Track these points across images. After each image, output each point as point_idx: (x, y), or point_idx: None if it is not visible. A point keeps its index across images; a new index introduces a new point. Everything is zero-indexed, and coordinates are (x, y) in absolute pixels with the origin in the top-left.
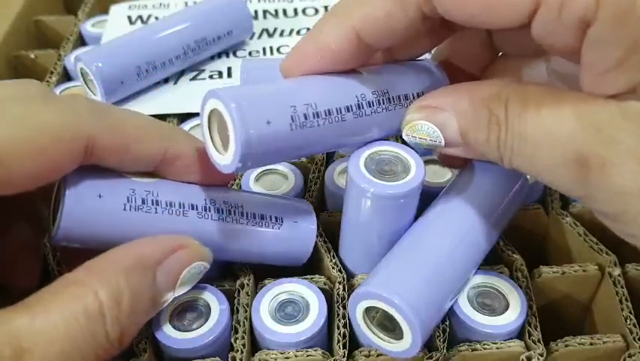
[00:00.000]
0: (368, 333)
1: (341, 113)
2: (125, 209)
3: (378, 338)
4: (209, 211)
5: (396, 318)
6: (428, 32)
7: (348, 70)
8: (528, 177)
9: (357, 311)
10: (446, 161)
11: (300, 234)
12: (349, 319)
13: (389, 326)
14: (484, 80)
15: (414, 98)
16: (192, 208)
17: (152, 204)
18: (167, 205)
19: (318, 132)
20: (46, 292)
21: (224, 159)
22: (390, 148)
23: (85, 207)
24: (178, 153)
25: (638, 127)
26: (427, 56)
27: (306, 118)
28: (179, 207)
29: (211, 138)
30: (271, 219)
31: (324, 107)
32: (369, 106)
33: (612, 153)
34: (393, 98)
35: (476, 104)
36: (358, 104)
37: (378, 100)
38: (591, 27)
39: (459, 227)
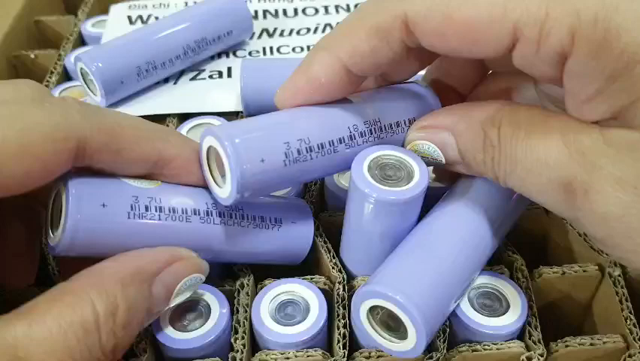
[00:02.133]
0: (371, 332)
1: (333, 145)
2: (129, 217)
3: (382, 337)
4: (211, 216)
5: (401, 318)
6: (416, 58)
7: (339, 99)
8: None
9: (361, 310)
10: (441, 176)
11: (298, 233)
12: (350, 319)
13: (393, 325)
14: (480, 102)
15: (406, 124)
16: (195, 213)
17: (156, 210)
18: (170, 211)
19: (311, 165)
20: (43, 300)
21: (223, 192)
22: (394, 153)
23: (89, 217)
24: (172, 155)
25: (618, 153)
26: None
27: (299, 153)
28: (182, 213)
29: (210, 171)
30: (270, 221)
31: (317, 142)
32: (362, 136)
33: (594, 179)
34: (384, 127)
35: (473, 125)
36: (350, 135)
37: (370, 129)
38: (568, 60)
39: (464, 228)
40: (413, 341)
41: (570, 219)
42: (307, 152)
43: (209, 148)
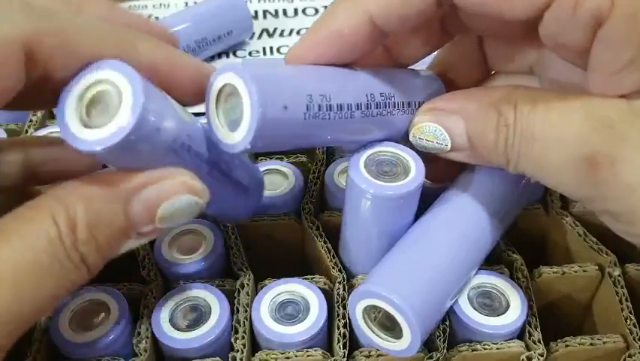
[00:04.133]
0: (368, 332)
1: (351, 109)
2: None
3: (378, 336)
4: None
5: (396, 317)
6: (428, 35)
7: (355, 67)
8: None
9: (357, 310)
10: (434, 174)
11: None
12: (349, 319)
13: (389, 325)
14: (491, 87)
15: (415, 106)
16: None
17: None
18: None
19: (327, 125)
20: (8, 219)
21: (232, 138)
22: (391, 149)
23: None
24: (142, 61)
25: None
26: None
27: (319, 109)
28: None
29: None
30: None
31: (337, 101)
32: (377, 107)
33: (622, 150)
34: (397, 104)
35: (485, 106)
36: (367, 103)
37: (385, 103)
38: (603, 26)
39: (464, 223)
40: (408, 341)
41: (589, 197)
42: (327, 110)
43: (223, 87)
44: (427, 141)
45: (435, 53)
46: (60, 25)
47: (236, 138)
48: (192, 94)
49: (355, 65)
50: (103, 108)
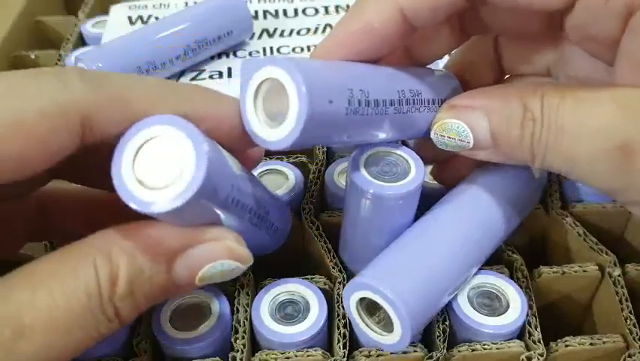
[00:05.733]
0: (361, 325)
1: (385, 105)
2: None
3: (371, 330)
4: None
5: (387, 310)
6: (447, 34)
7: (383, 64)
8: (537, 175)
9: (350, 302)
10: (444, 175)
11: None
12: (350, 319)
13: (382, 318)
14: (514, 83)
15: (439, 103)
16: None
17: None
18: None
19: (364, 121)
20: (45, 264)
21: (275, 135)
22: (391, 149)
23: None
24: (200, 117)
25: None
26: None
27: (359, 104)
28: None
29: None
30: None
31: (374, 97)
32: (407, 104)
33: None
34: (424, 101)
35: (510, 101)
36: (399, 100)
37: (414, 99)
38: (635, 15)
39: (467, 222)
40: (399, 334)
41: (621, 187)
42: (365, 105)
43: (262, 82)
44: (449, 138)
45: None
46: (118, 91)
47: (281, 134)
48: (241, 141)
49: (379, 62)
50: (160, 166)
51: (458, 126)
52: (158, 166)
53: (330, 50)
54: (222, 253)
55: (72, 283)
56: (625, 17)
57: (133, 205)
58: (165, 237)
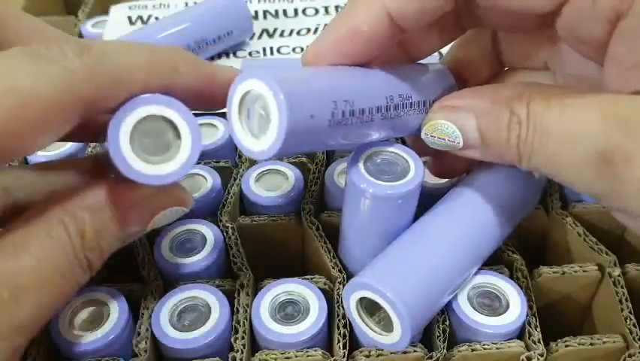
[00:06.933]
0: (361, 325)
1: (372, 113)
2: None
3: (371, 330)
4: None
5: (387, 309)
6: (442, 29)
7: (372, 67)
8: (537, 175)
9: (350, 302)
10: (439, 169)
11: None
12: (349, 319)
13: (382, 318)
14: (503, 84)
15: (430, 104)
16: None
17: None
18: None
19: (349, 130)
20: (19, 228)
21: (258, 146)
22: (390, 149)
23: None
24: (183, 89)
25: None
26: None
27: (343, 115)
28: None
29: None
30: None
31: (359, 106)
32: (395, 109)
33: (638, 146)
34: (414, 104)
35: (497, 104)
36: (387, 105)
37: (403, 103)
38: (623, 20)
39: (467, 222)
40: (398, 334)
41: (604, 194)
42: (350, 115)
43: (246, 93)
44: (439, 138)
45: (447, 47)
46: (115, 73)
47: (262, 146)
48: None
49: (371, 62)
50: (158, 142)
51: (447, 127)
52: (155, 143)
53: (319, 54)
54: (173, 200)
55: (49, 242)
56: (612, 21)
57: (131, 176)
58: (120, 191)
